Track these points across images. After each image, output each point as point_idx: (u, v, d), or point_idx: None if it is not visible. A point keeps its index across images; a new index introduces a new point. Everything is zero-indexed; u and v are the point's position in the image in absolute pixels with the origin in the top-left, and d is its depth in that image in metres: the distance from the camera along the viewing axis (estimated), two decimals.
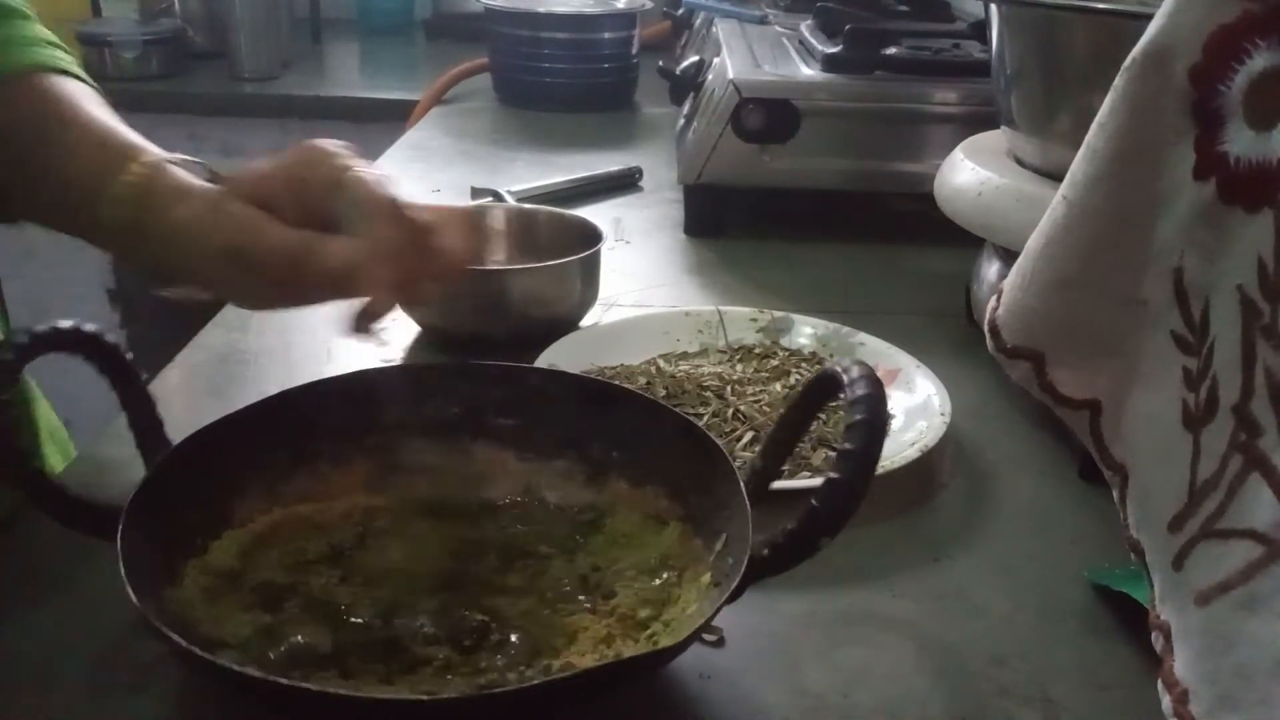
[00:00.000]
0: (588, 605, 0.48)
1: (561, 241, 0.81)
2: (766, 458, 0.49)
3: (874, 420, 0.41)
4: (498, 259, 0.84)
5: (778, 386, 0.68)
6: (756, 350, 0.74)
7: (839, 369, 0.44)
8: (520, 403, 0.56)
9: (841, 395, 0.43)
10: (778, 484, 0.58)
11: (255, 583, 0.48)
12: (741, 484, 0.48)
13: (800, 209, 1.05)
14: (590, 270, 0.78)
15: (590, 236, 0.80)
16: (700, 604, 0.45)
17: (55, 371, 0.76)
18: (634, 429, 0.54)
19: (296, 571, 0.49)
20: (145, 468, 0.48)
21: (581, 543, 0.52)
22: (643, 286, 0.87)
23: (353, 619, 0.47)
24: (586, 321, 0.78)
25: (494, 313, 0.74)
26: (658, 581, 0.49)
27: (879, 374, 0.70)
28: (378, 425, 0.55)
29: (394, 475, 0.55)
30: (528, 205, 0.88)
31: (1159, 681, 0.41)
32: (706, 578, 0.47)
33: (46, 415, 0.75)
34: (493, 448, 0.56)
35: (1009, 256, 0.69)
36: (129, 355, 0.50)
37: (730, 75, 0.96)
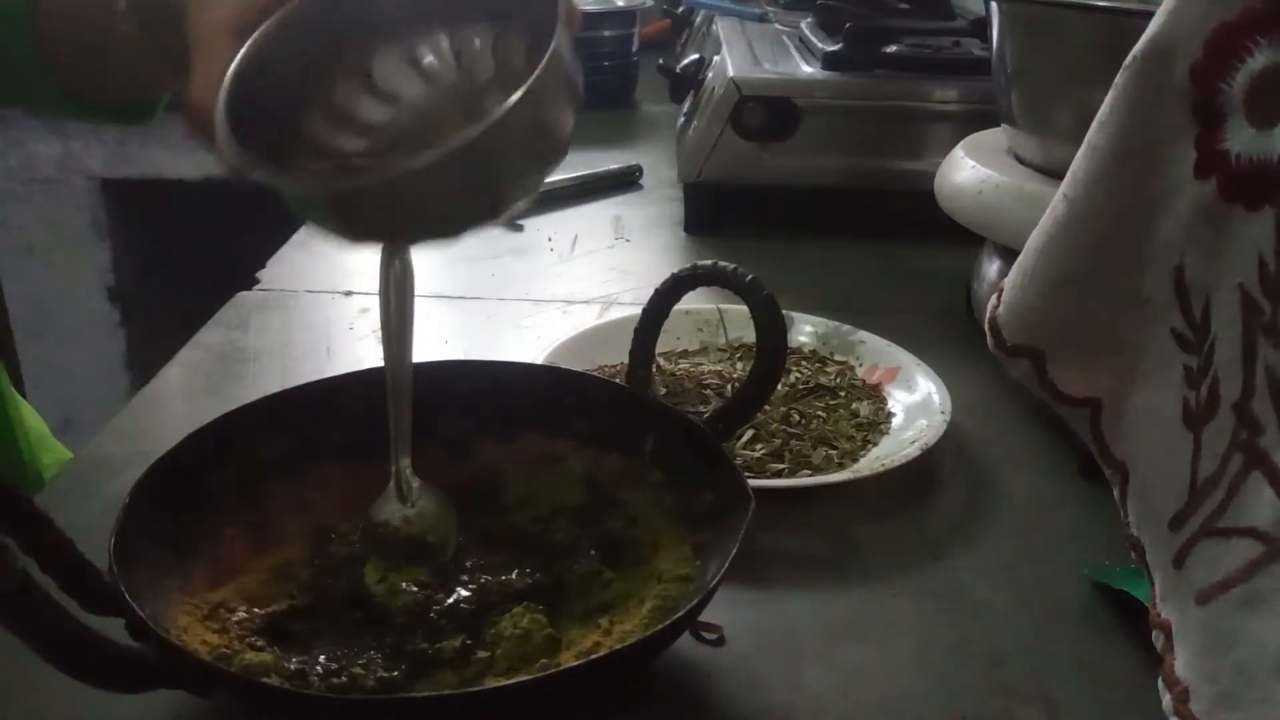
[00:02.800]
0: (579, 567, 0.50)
1: None
2: (634, 358, 0.57)
3: (773, 296, 0.52)
4: None
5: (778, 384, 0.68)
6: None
7: (724, 271, 0.53)
8: (342, 409, 0.54)
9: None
10: (778, 483, 0.58)
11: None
12: (634, 390, 0.54)
13: (800, 207, 1.05)
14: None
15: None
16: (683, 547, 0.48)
17: (55, 371, 0.76)
18: (485, 397, 0.55)
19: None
20: (82, 607, 0.40)
21: (506, 506, 0.54)
22: (643, 285, 0.87)
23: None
24: (588, 321, 0.78)
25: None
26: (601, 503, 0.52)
27: (879, 372, 0.71)
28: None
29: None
30: None
31: (1159, 680, 0.41)
32: (656, 475, 0.52)
33: (35, 424, 0.75)
34: (340, 462, 0.54)
35: (1009, 254, 0.69)
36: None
37: (730, 73, 0.96)
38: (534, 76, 0.39)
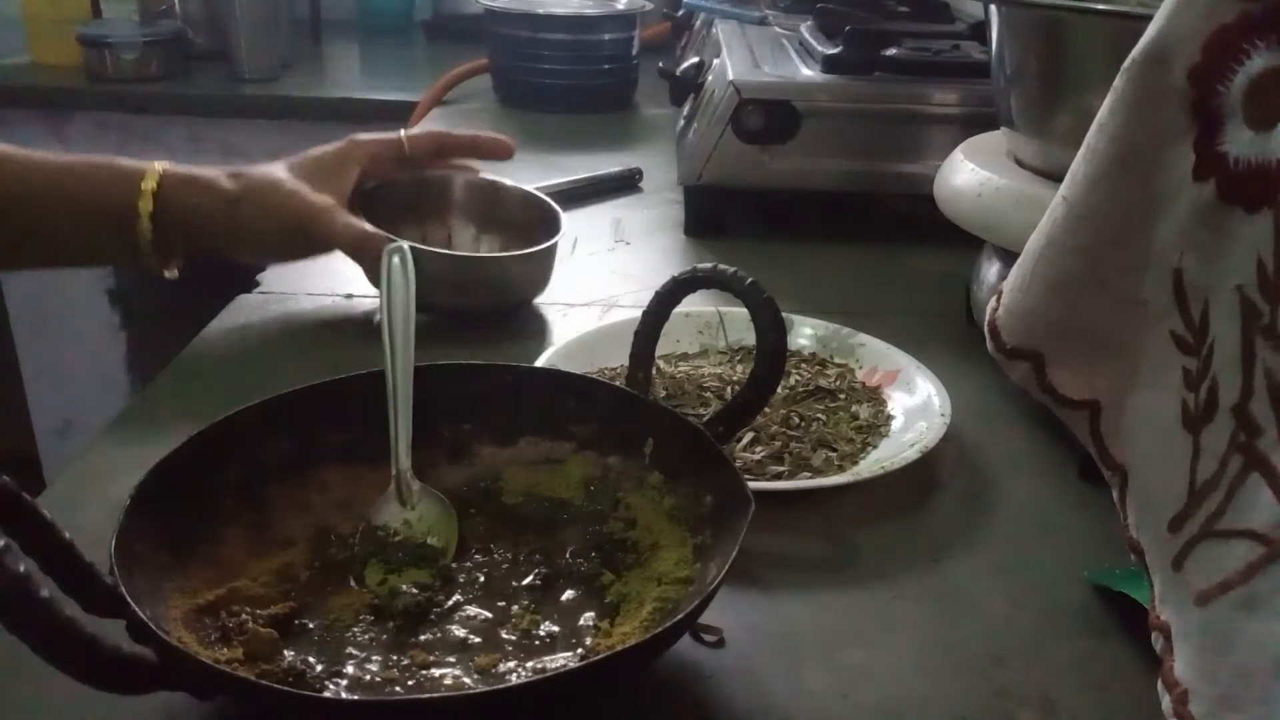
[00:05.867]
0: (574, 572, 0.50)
1: (522, 219, 0.84)
2: (634, 361, 0.56)
3: (772, 299, 0.52)
4: (464, 233, 0.87)
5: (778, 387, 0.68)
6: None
7: (724, 274, 0.53)
8: (347, 410, 0.54)
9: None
10: (777, 485, 0.58)
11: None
12: (634, 392, 0.54)
13: (800, 210, 1.06)
14: (549, 258, 0.80)
15: (550, 222, 0.82)
16: (682, 552, 0.49)
17: (55, 372, 0.77)
18: (485, 400, 0.56)
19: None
20: (83, 608, 0.41)
21: (506, 508, 0.54)
22: (643, 288, 0.87)
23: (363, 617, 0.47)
24: (589, 323, 0.78)
25: (463, 291, 0.77)
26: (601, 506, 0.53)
27: (879, 375, 0.71)
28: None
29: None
30: (490, 177, 0.88)
31: (1159, 682, 0.41)
32: (655, 477, 0.52)
33: None
34: (339, 464, 0.54)
35: (1009, 257, 0.69)
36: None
37: (730, 76, 0.96)
38: None
